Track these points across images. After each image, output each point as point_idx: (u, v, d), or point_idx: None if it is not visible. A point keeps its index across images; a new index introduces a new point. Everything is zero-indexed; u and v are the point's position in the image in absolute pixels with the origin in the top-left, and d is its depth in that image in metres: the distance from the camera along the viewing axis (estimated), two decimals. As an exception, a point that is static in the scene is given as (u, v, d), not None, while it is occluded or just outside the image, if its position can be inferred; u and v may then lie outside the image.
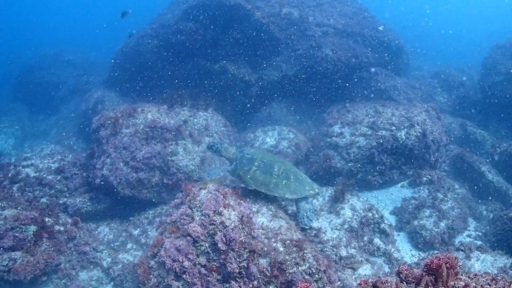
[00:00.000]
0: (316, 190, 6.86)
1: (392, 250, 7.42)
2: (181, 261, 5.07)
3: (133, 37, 14.10)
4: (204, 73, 12.75)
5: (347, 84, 13.62)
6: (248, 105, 13.14)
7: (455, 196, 9.27)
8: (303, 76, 12.81)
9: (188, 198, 5.62)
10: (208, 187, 5.73)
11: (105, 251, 7.74)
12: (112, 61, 14.63)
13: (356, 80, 13.72)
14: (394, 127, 9.66)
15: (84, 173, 9.13)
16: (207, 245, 5.09)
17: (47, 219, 7.12)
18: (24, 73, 22.00)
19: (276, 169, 6.59)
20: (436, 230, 8.08)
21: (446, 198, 8.89)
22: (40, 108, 19.65)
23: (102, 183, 8.35)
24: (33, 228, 6.65)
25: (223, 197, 5.42)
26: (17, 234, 6.39)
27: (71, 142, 14.22)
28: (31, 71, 21.56)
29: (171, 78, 13.10)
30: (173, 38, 12.70)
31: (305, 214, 6.71)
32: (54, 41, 33.09)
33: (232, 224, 5.06)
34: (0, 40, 44.11)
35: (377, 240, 7.42)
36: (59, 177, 8.87)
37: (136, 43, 13.38)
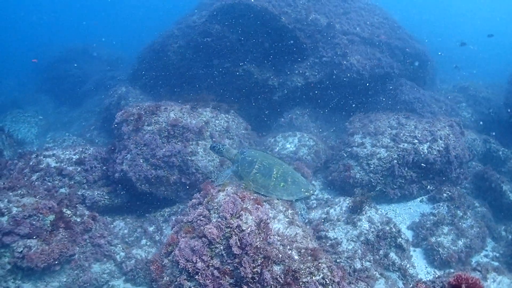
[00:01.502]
0: (311, 191, 7.44)
1: (408, 266, 7.27)
2: (194, 261, 5.06)
3: (159, 36, 14.29)
4: (228, 76, 12.80)
5: (371, 94, 13.48)
6: (270, 109, 13.13)
7: (475, 214, 9.07)
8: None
9: (206, 199, 5.62)
10: (227, 189, 5.71)
11: (119, 245, 7.79)
12: (138, 58, 14.83)
13: (380, 90, 13.57)
14: (416, 140, 9.50)
15: (104, 167, 9.22)
16: (222, 247, 5.07)
17: (65, 210, 7.19)
18: (51, 66, 22.56)
19: (274, 172, 7.15)
20: (453, 248, 7.90)
21: (465, 216, 8.68)
22: (64, 100, 20.08)
23: (121, 178, 8.43)
24: (50, 217, 6.71)
25: (241, 200, 5.39)
26: (34, 222, 6.47)
27: (93, 136, 14.44)
28: (58, 64, 22.10)
29: (195, 79, 13.19)
30: (199, 39, 12.78)
31: (299, 212, 7.12)
32: (82, 36, 33.79)
33: (249, 229, 5.03)
34: (30, 33, 45.36)
35: (392, 255, 7.28)
36: (79, 168, 8.96)
37: (162, 43, 13.53)
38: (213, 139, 9.23)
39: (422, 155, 9.28)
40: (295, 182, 7.28)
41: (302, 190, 7.29)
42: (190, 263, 5.05)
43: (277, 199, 6.93)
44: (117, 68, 21.34)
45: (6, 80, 26.07)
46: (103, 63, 22.03)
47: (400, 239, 7.45)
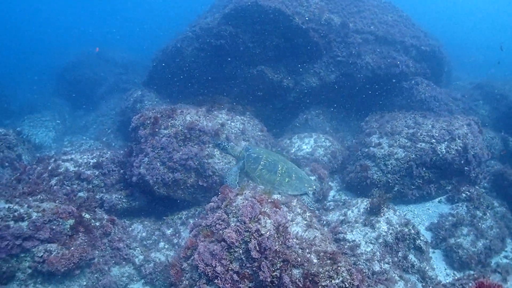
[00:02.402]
0: (314, 186, 7.77)
1: (427, 268, 7.18)
2: (214, 265, 5.07)
3: (173, 39, 14.37)
4: (242, 77, 12.81)
5: (386, 93, 13.36)
6: (285, 110, 13.10)
7: (494, 214, 8.89)
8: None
9: (224, 203, 5.63)
10: (245, 193, 5.72)
11: (138, 248, 7.86)
12: (153, 62, 14.93)
13: (395, 89, 13.44)
14: (434, 140, 9.38)
15: (121, 170, 9.31)
16: (241, 251, 5.08)
17: (84, 214, 7.28)
18: (67, 70, 22.89)
19: (279, 168, 7.46)
20: (473, 249, 7.77)
21: (485, 217, 8.53)
22: (80, 104, 20.36)
23: (139, 181, 8.50)
24: (70, 222, 6.77)
25: (260, 204, 5.39)
26: (54, 227, 6.53)
27: (109, 139, 14.61)
28: (74, 68, 22.41)
29: (210, 81, 13.23)
30: (213, 41, 12.81)
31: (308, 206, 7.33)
32: (96, 40, 34.23)
33: (268, 233, 5.03)
34: (46, 38, 46.17)
35: (411, 257, 7.19)
36: (97, 172, 9.06)
37: (177, 45, 13.60)
38: (229, 141, 9.24)
39: (440, 155, 9.16)
40: (299, 177, 7.59)
41: (306, 185, 7.62)
42: (210, 267, 5.07)
43: (281, 193, 7.23)
44: (132, 71, 21.58)
45: (23, 85, 26.58)
46: (117, 67, 22.25)
47: (419, 240, 7.36)
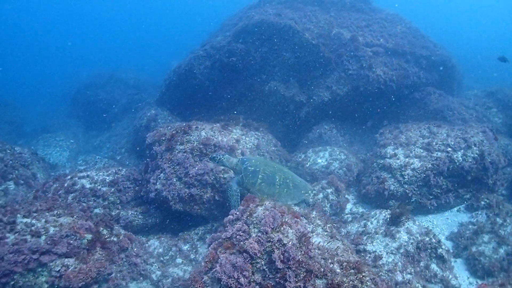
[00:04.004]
0: (310, 192, 8.06)
1: (450, 276, 7.02)
2: (236, 277, 5.01)
3: (185, 58, 14.59)
4: (255, 93, 12.89)
5: (399, 105, 13.33)
6: (298, 125, 13.11)
7: (514, 221, 8.72)
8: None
9: (245, 214, 5.60)
10: (265, 204, 5.69)
11: (155, 264, 7.80)
12: (165, 81, 15.12)
13: (408, 100, 13.40)
14: (450, 148, 9.30)
15: (137, 187, 9.36)
16: (263, 262, 5.02)
17: (101, 229, 7.28)
18: (80, 91, 23.29)
19: (277, 180, 7.59)
20: (495, 256, 7.58)
21: (505, 223, 8.34)
22: (93, 124, 20.63)
23: (156, 197, 8.51)
24: (88, 236, 6.73)
25: (281, 214, 5.36)
26: (71, 242, 6.47)
27: (123, 158, 14.71)
28: (87, 90, 22.79)
29: (223, 98, 13.31)
30: (225, 59, 12.95)
31: None
32: (109, 62, 34.89)
33: (290, 242, 4.98)
34: (59, 60, 47.24)
35: (434, 266, 7.05)
36: (112, 189, 9.10)
37: (189, 64, 13.78)
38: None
39: (457, 163, 9.06)
40: (296, 185, 7.77)
41: (303, 192, 7.82)
42: (232, 279, 5.01)
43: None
44: (144, 91, 21.83)
45: (36, 107, 27.07)
46: (130, 88, 22.53)
47: (441, 249, 7.22)
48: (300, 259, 4.92)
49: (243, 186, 7.68)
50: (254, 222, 5.39)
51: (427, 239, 7.22)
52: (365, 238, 7.39)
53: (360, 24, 14.37)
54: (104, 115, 20.39)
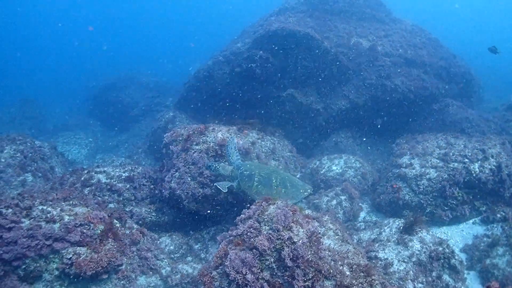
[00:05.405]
0: (308, 191, 7.78)
1: (462, 288, 6.92)
2: (244, 273, 5.04)
3: (205, 63, 14.81)
4: (272, 100, 12.95)
5: (416, 116, 13.24)
6: (314, 133, 13.11)
7: (530, 235, 8.52)
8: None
9: (257, 212, 5.63)
10: (277, 202, 5.72)
11: (165, 260, 7.83)
12: (185, 85, 15.35)
13: (426, 111, 13.29)
14: (467, 159, 9.18)
15: (152, 185, 9.47)
16: (272, 260, 5.04)
17: (115, 221, 7.35)
18: (101, 93, 23.80)
19: (274, 181, 7.54)
20: (509, 269, 7.44)
21: (521, 237, 8.20)
22: (112, 125, 21.00)
23: (170, 195, 8.61)
24: (100, 227, 6.77)
25: (292, 213, 5.38)
26: (85, 231, 6.51)
27: (140, 158, 14.93)
28: (108, 91, 23.28)
29: (240, 104, 13.42)
30: (244, 65, 13.06)
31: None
32: (131, 64, 35.57)
33: (301, 241, 4.99)
34: (81, 62, 48.41)
35: (446, 277, 6.94)
36: (128, 186, 9.22)
37: (208, 69, 13.96)
38: (260, 160, 9.29)
39: (474, 174, 8.94)
40: (293, 185, 7.68)
41: (301, 191, 7.69)
42: (240, 275, 5.04)
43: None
44: (164, 95, 22.17)
45: (58, 105, 27.72)
46: (150, 90, 22.92)
47: (454, 260, 7.10)
48: (310, 259, 4.92)
49: (240, 191, 7.77)
50: (266, 219, 5.41)
51: (441, 248, 7.12)
52: (377, 245, 7.33)
53: (379, 34, 14.37)
54: (123, 117, 20.75)
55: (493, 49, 13.09)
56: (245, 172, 7.70)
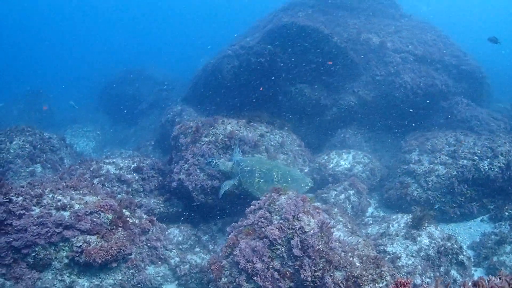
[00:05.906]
0: (309, 184, 7.81)
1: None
2: (254, 262, 5.08)
3: (213, 57, 14.81)
4: (281, 94, 12.95)
5: (425, 113, 13.17)
6: (323, 128, 13.09)
7: (538, 233, 8.50)
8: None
9: (267, 202, 5.66)
10: (288, 193, 5.75)
11: (174, 250, 7.86)
12: (193, 79, 15.35)
13: (434, 108, 13.22)
14: (476, 157, 9.15)
15: (160, 177, 9.53)
16: (283, 249, 5.07)
17: (124, 210, 7.37)
18: (109, 86, 23.90)
19: (275, 176, 7.50)
20: (516, 267, 7.44)
21: (528, 235, 8.18)
22: (120, 119, 21.11)
23: (178, 187, 8.65)
24: (110, 216, 6.78)
25: (303, 203, 5.40)
26: (95, 219, 6.52)
27: (148, 151, 14.99)
28: (116, 85, 23.36)
29: (248, 97, 13.42)
30: (253, 59, 13.06)
31: None
32: (139, 58, 35.63)
33: (311, 231, 5.01)
34: (90, 56, 48.64)
35: (454, 272, 6.93)
36: (137, 177, 9.28)
37: (217, 63, 13.96)
38: (268, 153, 9.30)
39: (483, 172, 8.91)
40: (294, 179, 7.63)
41: (302, 185, 7.66)
42: (250, 264, 5.08)
43: None
44: (172, 89, 22.20)
45: (67, 100, 27.81)
46: (157, 84, 22.97)
47: (462, 255, 7.08)
48: (320, 248, 4.95)
49: (241, 187, 7.69)
50: (276, 209, 5.44)
51: (449, 244, 7.11)
52: (385, 239, 7.32)
53: (389, 30, 14.30)
54: (131, 110, 20.83)
55: (494, 39, 12.98)
56: (245, 168, 7.67)
